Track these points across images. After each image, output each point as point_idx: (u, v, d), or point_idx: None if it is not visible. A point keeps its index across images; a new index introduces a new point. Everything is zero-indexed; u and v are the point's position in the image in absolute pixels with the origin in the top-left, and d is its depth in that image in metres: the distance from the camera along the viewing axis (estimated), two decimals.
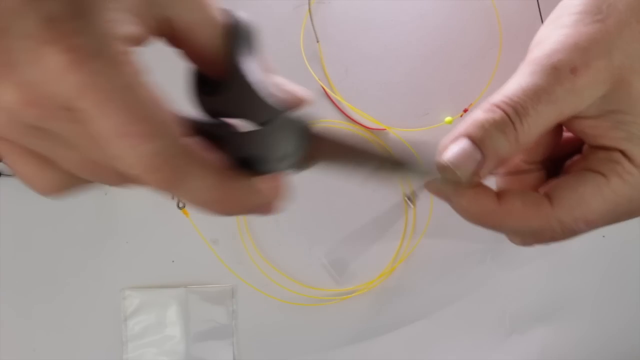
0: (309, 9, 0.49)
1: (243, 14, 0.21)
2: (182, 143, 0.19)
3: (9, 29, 0.17)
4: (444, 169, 0.27)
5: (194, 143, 0.19)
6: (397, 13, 0.50)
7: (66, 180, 0.21)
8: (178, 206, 0.48)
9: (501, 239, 0.52)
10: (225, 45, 0.20)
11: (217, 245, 0.49)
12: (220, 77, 0.21)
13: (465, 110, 0.50)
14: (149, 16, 0.19)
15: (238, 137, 0.21)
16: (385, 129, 0.50)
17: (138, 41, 0.19)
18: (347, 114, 0.50)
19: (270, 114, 0.20)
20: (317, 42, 0.49)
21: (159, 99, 0.18)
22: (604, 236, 0.52)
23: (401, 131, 0.50)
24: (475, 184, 0.29)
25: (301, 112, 0.21)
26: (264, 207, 0.22)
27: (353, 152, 0.23)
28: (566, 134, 0.31)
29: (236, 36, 0.20)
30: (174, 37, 0.20)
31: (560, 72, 0.26)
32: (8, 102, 0.17)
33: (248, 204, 0.21)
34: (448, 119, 0.50)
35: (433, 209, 0.51)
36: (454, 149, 0.27)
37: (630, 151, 0.27)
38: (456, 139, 0.27)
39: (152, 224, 0.49)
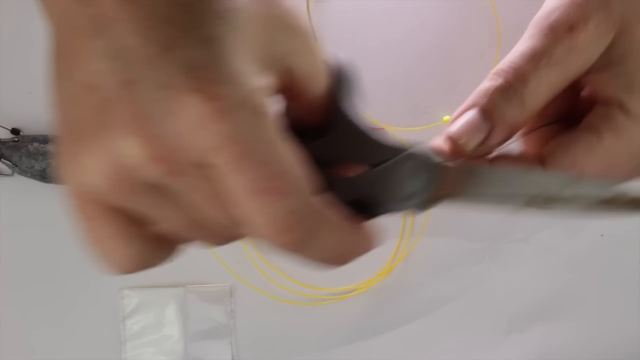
0: (308, 7, 0.49)
1: (343, 56, 0.21)
2: (315, 201, 0.18)
3: (142, 80, 0.16)
4: (449, 141, 0.26)
5: (323, 199, 0.18)
6: (395, 12, 0.50)
7: (150, 252, 0.19)
8: None
9: (500, 237, 0.52)
10: (331, 91, 0.20)
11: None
12: (322, 123, 0.20)
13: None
14: (275, 67, 0.18)
15: (354, 181, 0.20)
16: (383, 128, 0.50)
17: (270, 93, 0.18)
18: None
19: (387, 153, 0.19)
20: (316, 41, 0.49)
21: (295, 154, 0.17)
22: (602, 235, 0.52)
23: (400, 130, 0.50)
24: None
25: (422, 147, 0.20)
26: (373, 247, 0.21)
27: (493, 185, 0.20)
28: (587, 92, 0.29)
29: (341, 81, 0.20)
30: (290, 88, 0.19)
31: (557, 32, 0.25)
32: (133, 157, 0.16)
33: (365, 250, 0.20)
34: (446, 117, 0.50)
35: None
36: (461, 120, 0.26)
37: (627, 102, 0.25)
38: (463, 110, 0.26)
39: None
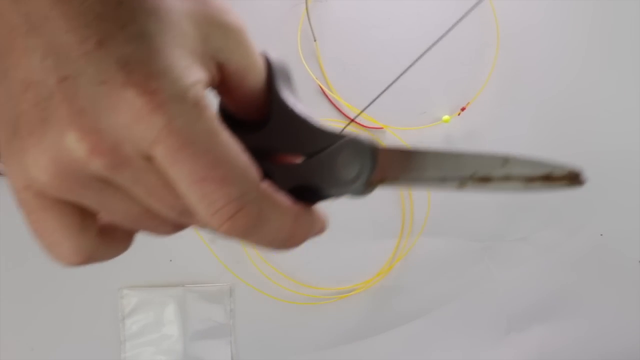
0: (307, 7, 0.49)
1: (273, 54, 0.21)
2: (258, 187, 0.18)
3: (78, 76, 0.16)
4: None
5: (268, 185, 0.19)
6: (394, 12, 0.50)
7: (97, 244, 0.19)
8: None
9: (499, 237, 0.52)
10: (267, 85, 0.21)
11: (214, 244, 0.49)
12: (261, 116, 0.21)
13: (463, 109, 0.50)
14: (209, 62, 0.19)
15: (295, 169, 0.20)
16: (382, 128, 0.50)
17: (206, 87, 0.18)
18: (345, 113, 0.50)
19: (326, 140, 0.20)
20: (315, 40, 0.49)
21: (235, 143, 0.18)
22: (601, 235, 0.52)
23: (399, 130, 0.50)
24: None
25: (359, 133, 0.21)
26: (321, 230, 0.21)
27: (428, 167, 0.21)
28: None
29: (276, 75, 0.21)
30: (226, 82, 0.20)
31: None
32: (74, 151, 0.16)
33: (313, 233, 0.21)
34: (446, 117, 0.50)
35: (431, 207, 0.51)
36: None
37: None
38: None
39: None
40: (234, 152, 0.18)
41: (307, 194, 0.20)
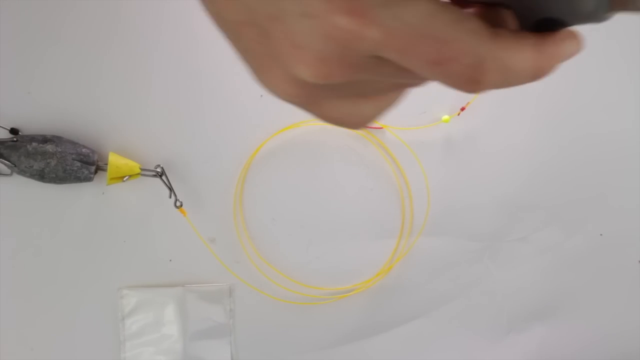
0: None
1: None
2: (496, 41, 0.19)
3: (287, 14, 0.18)
4: None
5: (503, 32, 0.20)
6: None
7: (372, 109, 0.23)
8: (175, 205, 0.48)
9: (499, 236, 0.52)
10: None
11: (214, 244, 0.49)
12: None
13: (463, 109, 0.50)
14: None
15: (535, 3, 0.20)
16: (382, 128, 0.50)
17: None
18: None
19: None
20: None
21: (455, 11, 0.19)
22: (601, 234, 0.52)
23: (399, 129, 0.50)
24: None
25: None
26: (576, 50, 0.21)
27: None
28: None
29: None
30: None
31: None
32: (345, 29, 0.18)
33: (566, 55, 0.21)
34: (445, 117, 0.50)
35: (430, 206, 0.51)
36: None
37: None
38: None
39: (150, 223, 0.49)
40: (456, 26, 0.19)
41: (549, 25, 0.20)
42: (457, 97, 0.50)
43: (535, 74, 0.20)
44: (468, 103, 0.50)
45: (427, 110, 0.50)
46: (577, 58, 0.21)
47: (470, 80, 0.19)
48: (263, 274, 0.50)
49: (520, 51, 0.20)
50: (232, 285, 0.50)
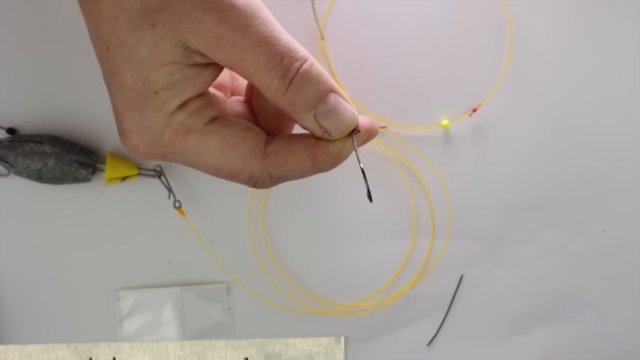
0: (313, 5, 0.48)
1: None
2: None
3: None
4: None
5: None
6: (395, 10, 0.49)
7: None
8: (174, 206, 0.48)
9: (502, 238, 0.52)
10: None
11: (213, 245, 0.49)
12: None
13: (474, 110, 0.49)
14: None
15: None
16: (386, 126, 0.49)
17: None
18: None
19: None
20: (323, 39, 0.48)
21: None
22: (603, 231, 0.51)
23: (399, 129, 0.49)
24: None
25: None
26: None
27: None
28: None
29: None
30: None
31: None
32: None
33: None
34: (445, 122, 0.49)
35: (434, 209, 0.50)
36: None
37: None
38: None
39: (148, 224, 0.49)
40: (231, 154, 0.30)
41: None
42: (459, 97, 0.49)
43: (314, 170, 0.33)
44: (480, 104, 0.49)
45: (429, 111, 0.50)
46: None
47: (254, 186, 0.33)
48: (264, 273, 0.49)
49: (289, 161, 0.32)
50: (230, 283, 0.49)
